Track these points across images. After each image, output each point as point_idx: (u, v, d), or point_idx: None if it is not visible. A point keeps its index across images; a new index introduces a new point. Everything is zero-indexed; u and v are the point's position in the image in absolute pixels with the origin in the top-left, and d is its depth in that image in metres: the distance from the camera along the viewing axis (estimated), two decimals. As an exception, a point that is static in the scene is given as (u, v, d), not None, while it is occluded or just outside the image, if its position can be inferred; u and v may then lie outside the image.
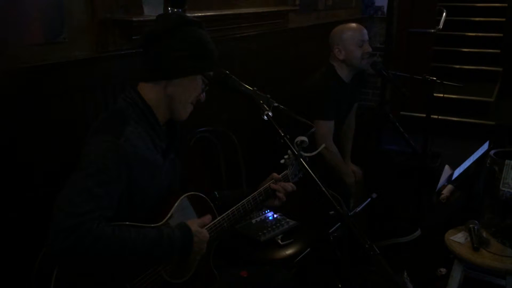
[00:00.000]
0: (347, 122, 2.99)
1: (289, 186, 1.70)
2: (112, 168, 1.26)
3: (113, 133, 1.31)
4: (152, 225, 1.38)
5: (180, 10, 2.02)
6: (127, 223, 1.31)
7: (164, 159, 1.48)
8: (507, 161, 1.96)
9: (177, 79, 1.42)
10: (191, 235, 1.38)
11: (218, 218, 1.56)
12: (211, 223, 1.53)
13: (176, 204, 1.46)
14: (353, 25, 2.82)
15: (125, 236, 1.24)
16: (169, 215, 1.43)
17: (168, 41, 1.38)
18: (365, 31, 2.79)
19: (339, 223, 1.65)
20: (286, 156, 1.67)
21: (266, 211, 2.18)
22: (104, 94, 1.83)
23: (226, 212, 1.58)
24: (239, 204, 1.61)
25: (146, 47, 1.42)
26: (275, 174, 1.73)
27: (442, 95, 2.97)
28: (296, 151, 1.33)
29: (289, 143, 1.36)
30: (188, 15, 2.07)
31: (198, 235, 1.40)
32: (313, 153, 1.36)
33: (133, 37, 1.87)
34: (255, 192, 1.66)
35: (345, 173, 2.79)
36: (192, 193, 1.53)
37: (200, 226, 1.44)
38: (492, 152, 2.07)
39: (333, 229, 1.83)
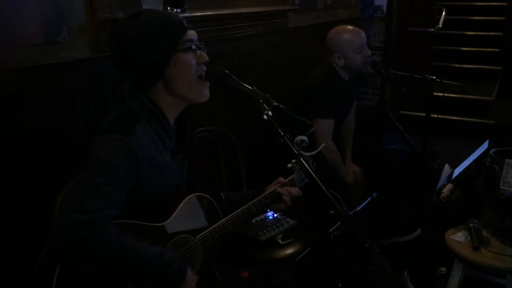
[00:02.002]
0: (347, 121, 2.99)
1: (295, 190, 1.70)
2: (122, 167, 1.26)
3: (123, 132, 1.30)
4: (158, 224, 1.38)
5: (179, 10, 2.02)
6: (133, 221, 1.32)
7: (173, 159, 1.48)
8: (507, 160, 1.95)
9: (165, 73, 1.40)
10: (186, 267, 1.37)
11: (223, 220, 1.55)
12: (215, 224, 1.53)
13: (181, 204, 1.46)
14: (351, 30, 2.77)
15: (129, 244, 1.23)
16: (174, 214, 1.43)
17: (130, 49, 1.36)
18: (363, 34, 2.77)
19: (339, 223, 1.65)
20: (293, 161, 1.67)
21: (266, 211, 2.18)
22: (104, 94, 1.83)
23: (231, 214, 1.57)
24: (244, 206, 1.60)
25: (119, 65, 1.41)
26: (281, 178, 1.72)
27: (441, 94, 2.97)
28: (296, 151, 1.33)
29: (289, 143, 1.36)
30: (188, 14, 2.08)
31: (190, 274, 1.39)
32: (313, 153, 1.36)
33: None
34: (261, 196, 1.65)
35: (344, 172, 2.79)
36: (198, 194, 1.53)
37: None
38: (492, 151, 2.07)
39: (333, 228, 1.82)
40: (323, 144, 1.40)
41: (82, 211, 1.17)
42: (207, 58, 1.45)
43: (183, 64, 1.40)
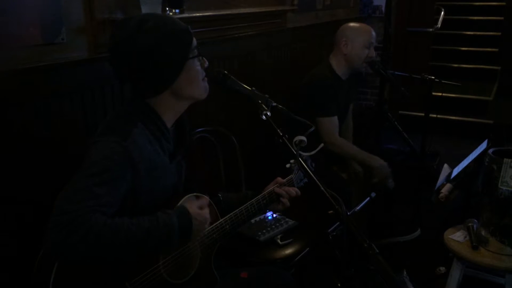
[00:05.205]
0: (345, 122, 2.99)
1: (293, 191, 1.70)
2: (116, 170, 1.26)
3: (119, 135, 1.30)
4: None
5: (177, 10, 2.02)
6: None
7: (171, 161, 1.48)
8: (505, 160, 1.96)
9: (176, 80, 1.40)
10: (190, 219, 1.36)
11: (221, 220, 1.55)
12: (214, 224, 1.53)
13: (179, 204, 1.45)
14: (365, 25, 2.85)
15: (118, 225, 1.22)
16: None
17: (141, 61, 1.34)
18: (374, 34, 2.80)
19: (338, 223, 1.65)
20: (292, 161, 1.67)
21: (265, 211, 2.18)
22: (103, 95, 1.83)
23: (229, 215, 1.57)
24: (242, 207, 1.60)
25: (125, 70, 1.37)
26: (279, 178, 1.72)
27: (440, 94, 2.98)
28: (295, 151, 1.33)
29: (287, 143, 1.36)
30: (186, 15, 2.08)
31: (198, 217, 1.38)
32: (312, 153, 1.36)
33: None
34: (259, 196, 1.65)
35: (368, 159, 2.69)
36: (196, 194, 1.52)
37: (199, 207, 1.42)
38: (490, 150, 2.07)
39: (332, 228, 1.82)
40: (322, 145, 1.40)
41: (68, 211, 1.16)
42: (207, 64, 1.48)
43: (193, 71, 1.42)
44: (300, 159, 1.32)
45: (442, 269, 2.58)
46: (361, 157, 2.71)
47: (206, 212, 1.43)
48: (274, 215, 2.17)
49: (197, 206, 1.42)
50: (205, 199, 1.48)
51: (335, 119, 2.71)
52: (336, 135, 2.70)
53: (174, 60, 1.37)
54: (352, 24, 2.83)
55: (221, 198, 1.70)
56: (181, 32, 1.39)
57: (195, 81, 1.44)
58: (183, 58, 1.39)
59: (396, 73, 3.19)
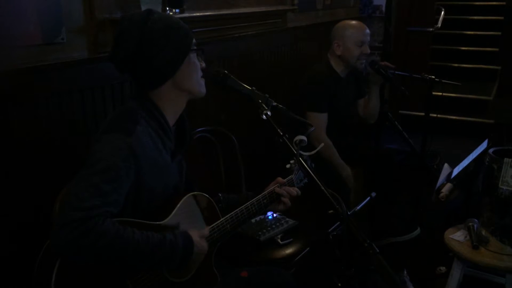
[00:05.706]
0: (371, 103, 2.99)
1: (294, 191, 1.70)
2: (121, 166, 1.27)
3: (123, 132, 1.31)
4: (157, 222, 1.38)
5: (177, 10, 2.02)
6: (132, 219, 1.32)
7: (172, 160, 1.49)
8: (506, 159, 1.96)
9: (178, 70, 1.43)
10: (192, 245, 1.38)
11: (222, 219, 1.55)
12: (214, 223, 1.53)
13: (180, 203, 1.46)
14: (357, 23, 2.84)
15: (129, 236, 1.24)
16: (172, 213, 1.43)
17: (149, 45, 1.36)
18: (367, 31, 2.80)
19: (339, 222, 1.65)
20: (292, 161, 1.67)
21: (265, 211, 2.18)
22: (103, 95, 1.84)
23: (230, 214, 1.57)
24: (242, 206, 1.60)
25: (132, 58, 1.38)
26: (280, 178, 1.73)
27: (440, 93, 2.97)
28: (295, 150, 1.33)
29: (288, 142, 1.36)
30: (187, 15, 2.08)
31: (198, 245, 1.40)
32: (312, 152, 1.36)
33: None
34: (259, 195, 1.66)
35: (340, 167, 2.77)
36: (196, 193, 1.53)
37: (200, 237, 1.43)
38: (491, 150, 2.07)
39: (332, 228, 1.82)
40: (322, 144, 1.40)
41: (81, 208, 1.17)
42: (204, 65, 1.52)
43: (194, 64, 1.47)
44: (300, 158, 1.32)
45: (443, 268, 2.58)
46: (334, 161, 2.75)
47: (205, 242, 1.44)
48: (274, 215, 2.17)
49: (198, 235, 1.42)
50: (206, 230, 1.48)
51: (324, 116, 2.72)
52: (322, 132, 2.71)
53: (180, 48, 1.41)
54: (343, 23, 2.82)
55: (221, 198, 1.70)
56: (184, 27, 1.45)
57: (195, 74, 1.48)
58: (187, 47, 1.44)
59: (396, 72, 3.19)
